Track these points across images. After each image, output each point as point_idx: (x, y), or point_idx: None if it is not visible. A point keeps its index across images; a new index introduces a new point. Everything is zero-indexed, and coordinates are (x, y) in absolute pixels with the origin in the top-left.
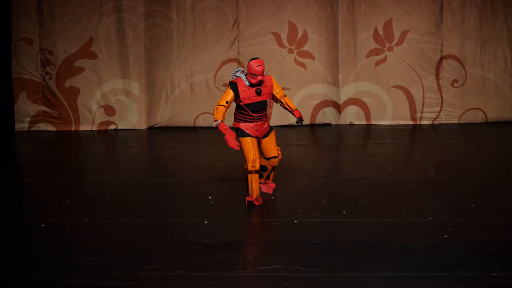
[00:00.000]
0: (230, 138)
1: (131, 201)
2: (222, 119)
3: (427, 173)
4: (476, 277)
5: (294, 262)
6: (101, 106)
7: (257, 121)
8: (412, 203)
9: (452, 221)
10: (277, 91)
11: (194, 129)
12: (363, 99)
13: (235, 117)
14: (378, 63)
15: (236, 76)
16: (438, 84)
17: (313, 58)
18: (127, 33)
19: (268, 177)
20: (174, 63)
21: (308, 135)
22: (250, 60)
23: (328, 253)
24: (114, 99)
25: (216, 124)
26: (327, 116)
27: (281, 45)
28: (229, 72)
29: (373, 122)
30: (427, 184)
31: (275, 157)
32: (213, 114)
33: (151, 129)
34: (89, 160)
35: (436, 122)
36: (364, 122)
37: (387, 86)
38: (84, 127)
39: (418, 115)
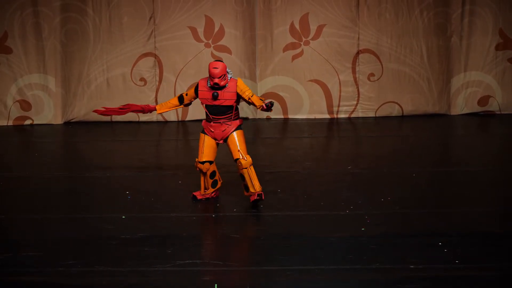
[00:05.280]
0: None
1: (47, 196)
2: (156, 108)
3: (344, 167)
4: (393, 269)
5: (212, 256)
6: (17, 101)
7: (213, 123)
8: (329, 196)
9: (369, 213)
10: (246, 93)
11: (111, 123)
12: (280, 93)
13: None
14: (294, 57)
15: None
16: (355, 78)
17: (230, 52)
18: (43, 27)
19: (246, 188)
20: (90, 58)
21: None
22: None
23: (246, 247)
24: (30, 94)
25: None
26: (244, 110)
27: (197, 39)
28: (146, 67)
29: (290, 116)
30: (344, 177)
31: (239, 159)
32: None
33: (67, 124)
34: (4, 155)
35: (352, 115)
36: (281, 116)
37: (304, 80)
38: None
39: (335, 108)
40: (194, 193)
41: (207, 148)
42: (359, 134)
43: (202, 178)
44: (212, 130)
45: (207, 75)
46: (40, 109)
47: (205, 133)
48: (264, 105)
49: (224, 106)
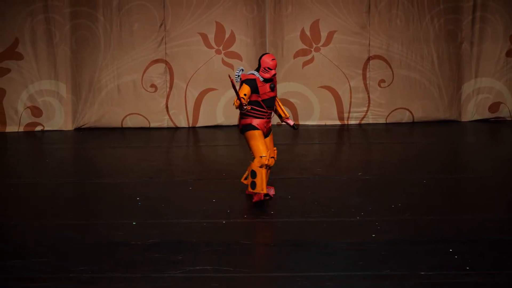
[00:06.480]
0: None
1: (58, 202)
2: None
3: (355, 173)
4: (404, 276)
5: (222, 262)
6: (28, 107)
7: (267, 118)
8: (340, 203)
9: (380, 220)
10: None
11: (121, 130)
12: (291, 100)
13: (244, 114)
14: (305, 63)
15: (239, 74)
16: (365, 84)
17: (240, 58)
18: (54, 34)
19: (254, 186)
20: (101, 64)
21: (235, 136)
22: (262, 56)
23: (256, 253)
24: (41, 100)
25: (245, 108)
26: None
27: (208, 45)
28: (157, 73)
29: (300, 122)
30: (355, 183)
31: (272, 157)
32: (234, 104)
33: (78, 130)
34: (15, 161)
35: (363, 122)
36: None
37: (315, 87)
38: (10, 128)
39: (346, 115)
40: (257, 197)
41: (264, 144)
42: (369, 141)
43: (263, 174)
44: (266, 126)
45: (231, 79)
46: (51, 115)
47: (258, 129)
48: (292, 124)
49: (274, 98)
